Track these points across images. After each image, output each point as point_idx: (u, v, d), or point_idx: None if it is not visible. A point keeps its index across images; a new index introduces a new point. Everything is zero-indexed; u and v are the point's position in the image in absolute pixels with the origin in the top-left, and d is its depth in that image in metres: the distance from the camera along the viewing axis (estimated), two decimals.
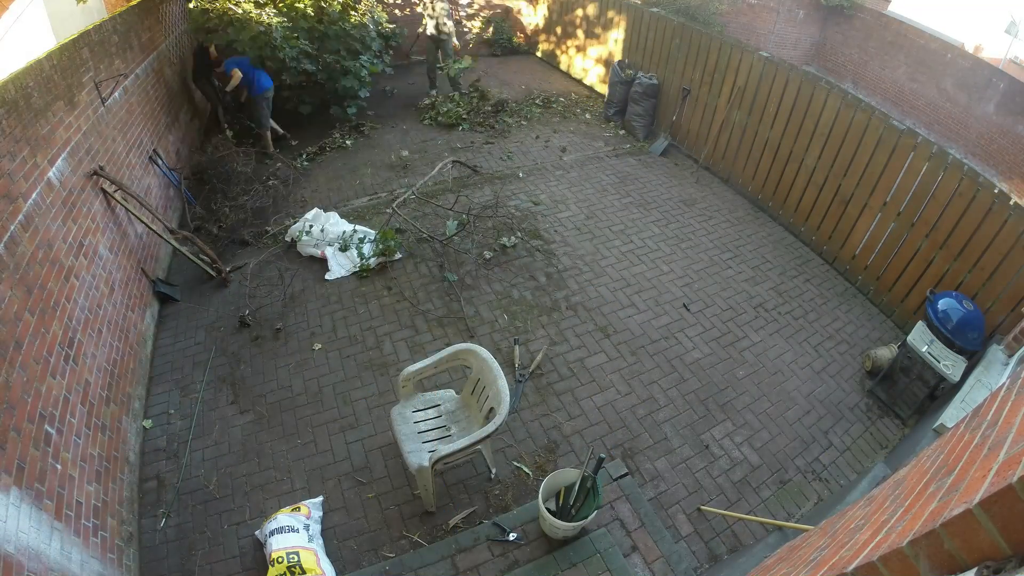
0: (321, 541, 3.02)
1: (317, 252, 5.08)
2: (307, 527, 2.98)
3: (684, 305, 4.77)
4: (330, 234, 5.14)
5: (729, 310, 4.83)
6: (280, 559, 2.74)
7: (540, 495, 2.97)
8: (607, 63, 8.50)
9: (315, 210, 5.43)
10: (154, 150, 5.27)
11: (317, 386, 3.99)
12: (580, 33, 9.08)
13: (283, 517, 2.98)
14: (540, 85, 9.24)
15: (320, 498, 3.27)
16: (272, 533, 2.89)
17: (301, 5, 6.86)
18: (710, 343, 4.49)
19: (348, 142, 7.18)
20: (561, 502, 3.08)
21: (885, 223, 4.90)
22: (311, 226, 5.16)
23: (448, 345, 4.30)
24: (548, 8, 9.90)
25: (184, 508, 3.27)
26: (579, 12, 8.92)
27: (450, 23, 7.96)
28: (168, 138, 5.81)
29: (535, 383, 4.05)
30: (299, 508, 3.09)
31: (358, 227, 5.31)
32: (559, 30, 9.68)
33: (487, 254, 5.20)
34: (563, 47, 9.71)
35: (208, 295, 4.75)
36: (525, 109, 8.19)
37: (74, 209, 3.52)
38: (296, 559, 2.75)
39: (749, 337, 4.58)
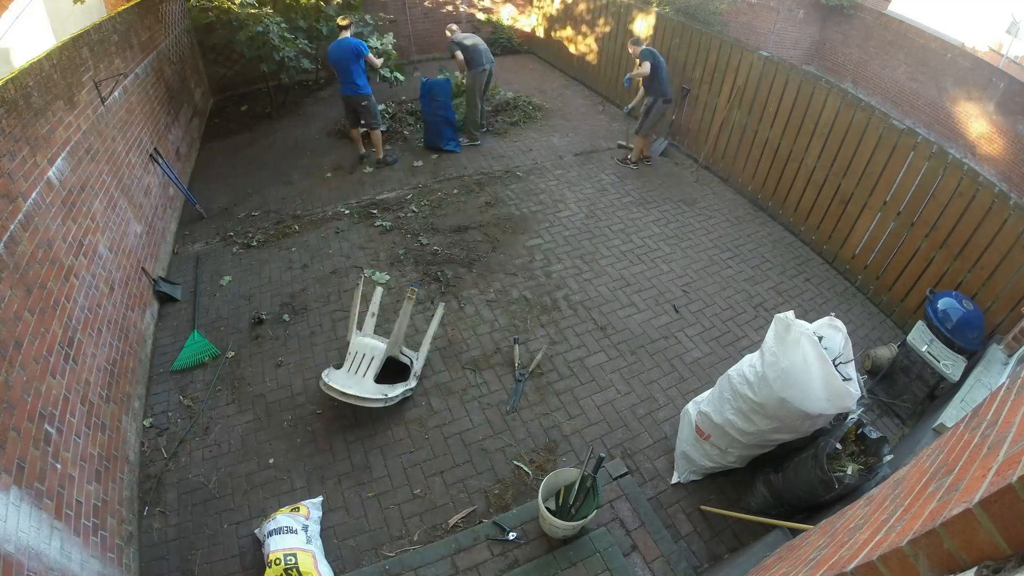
0: (320, 542, 3.03)
1: None
2: (306, 528, 2.98)
3: (674, 307, 4.78)
4: None
5: (729, 309, 4.83)
6: (278, 560, 2.74)
7: (540, 494, 2.97)
8: (606, 62, 8.50)
9: None
10: (155, 148, 5.27)
11: (317, 385, 3.98)
12: (580, 33, 9.07)
13: (282, 517, 2.98)
14: (540, 84, 9.23)
15: (319, 498, 3.27)
16: (271, 534, 2.89)
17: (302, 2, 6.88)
18: (710, 342, 4.49)
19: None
20: (561, 501, 3.09)
21: (885, 223, 4.89)
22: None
23: (448, 346, 4.31)
24: (542, 15, 9.90)
25: (184, 507, 3.27)
26: (579, 11, 8.92)
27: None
28: (168, 137, 5.82)
29: (535, 382, 4.05)
30: (298, 508, 3.09)
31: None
32: (559, 30, 9.67)
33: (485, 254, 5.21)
34: (563, 46, 9.69)
35: (208, 293, 4.76)
36: (524, 108, 8.18)
37: (74, 208, 3.52)
38: (293, 561, 2.74)
39: (749, 336, 4.58)
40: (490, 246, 5.34)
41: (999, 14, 10.57)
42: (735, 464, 3.28)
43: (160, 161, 5.29)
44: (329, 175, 6.46)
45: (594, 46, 8.77)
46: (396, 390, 3.67)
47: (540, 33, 10.33)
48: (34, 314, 2.81)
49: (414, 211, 5.81)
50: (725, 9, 10.25)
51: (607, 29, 8.31)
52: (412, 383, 3.82)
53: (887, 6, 12.49)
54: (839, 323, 2.95)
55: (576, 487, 3.03)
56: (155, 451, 3.57)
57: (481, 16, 10.49)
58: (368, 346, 3.79)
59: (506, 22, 10.71)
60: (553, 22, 9.74)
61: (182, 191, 5.75)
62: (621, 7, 7.86)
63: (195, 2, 6.48)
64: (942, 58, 11.11)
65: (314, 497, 3.27)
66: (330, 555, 3.05)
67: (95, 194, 3.89)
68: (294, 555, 2.77)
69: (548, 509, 2.95)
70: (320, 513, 3.19)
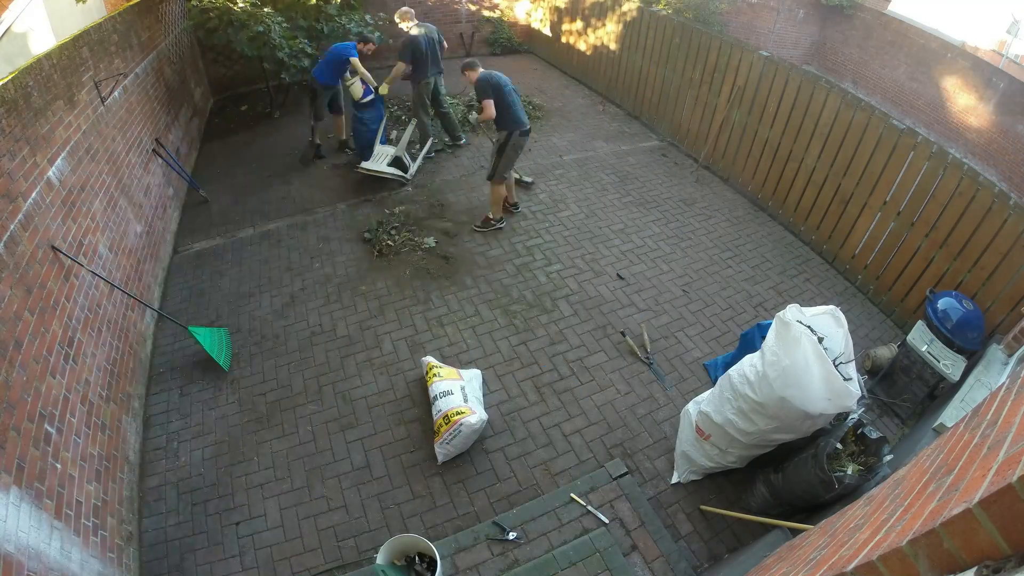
0: (478, 399, 3.70)
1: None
2: (462, 388, 3.62)
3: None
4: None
5: (729, 309, 4.83)
6: (446, 418, 3.44)
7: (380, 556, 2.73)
8: (607, 61, 8.50)
9: None
10: (156, 139, 5.28)
11: (317, 385, 3.99)
12: (580, 32, 9.07)
13: (446, 383, 3.64)
14: (540, 84, 9.23)
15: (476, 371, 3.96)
16: (439, 396, 3.58)
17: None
18: (710, 342, 4.49)
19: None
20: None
21: (885, 222, 4.89)
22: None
23: (449, 346, 4.32)
24: (548, 8, 9.89)
25: (184, 507, 3.27)
26: (579, 11, 8.91)
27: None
28: (168, 137, 5.81)
29: (534, 382, 4.05)
30: (452, 372, 3.80)
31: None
32: (567, 22, 9.65)
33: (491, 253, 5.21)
34: (563, 46, 9.69)
35: (208, 293, 4.76)
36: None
37: (74, 208, 3.52)
38: (456, 410, 3.45)
39: None
40: (488, 245, 5.35)
41: (1000, 14, 10.57)
42: (735, 464, 3.28)
43: (162, 152, 5.32)
44: (328, 173, 6.46)
45: (595, 45, 8.77)
46: (397, 172, 5.99)
47: (547, 28, 10.14)
48: (34, 314, 2.81)
49: (414, 211, 5.81)
50: (725, 9, 10.24)
51: (609, 28, 8.31)
52: (408, 176, 6.11)
53: (887, 6, 12.49)
54: (841, 316, 2.96)
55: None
56: (155, 451, 3.57)
57: (491, 14, 10.40)
58: (385, 149, 6.10)
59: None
60: (560, 15, 9.57)
61: (185, 177, 5.80)
62: (622, 5, 7.86)
63: (195, 2, 6.47)
64: (942, 58, 11.11)
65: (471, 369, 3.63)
66: (329, 555, 3.06)
67: (95, 194, 3.89)
68: (460, 412, 3.42)
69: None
70: (479, 382, 3.90)
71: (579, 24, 9.04)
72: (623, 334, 4.44)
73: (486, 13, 10.41)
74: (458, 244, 5.37)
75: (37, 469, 2.44)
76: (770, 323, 3.02)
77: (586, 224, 5.74)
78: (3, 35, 4.72)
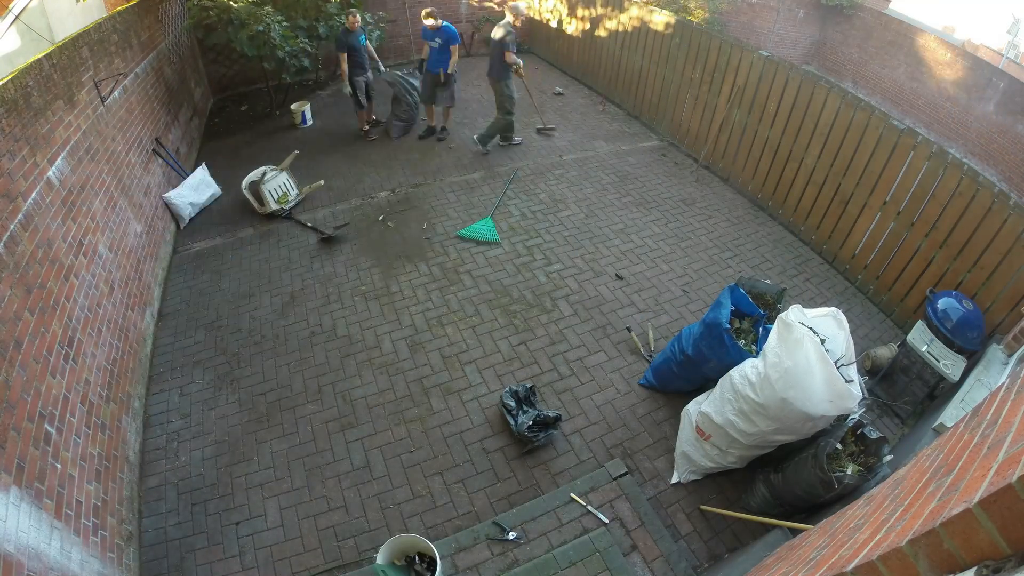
0: None
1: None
2: None
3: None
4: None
5: None
6: None
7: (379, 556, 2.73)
8: (607, 61, 8.50)
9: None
10: (156, 139, 5.28)
11: (317, 385, 3.99)
12: (580, 31, 9.06)
13: None
14: (540, 84, 9.22)
15: None
16: None
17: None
18: None
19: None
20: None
21: (885, 222, 4.90)
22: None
23: (449, 346, 4.32)
24: (550, 8, 9.88)
25: (184, 507, 3.27)
26: (579, 11, 8.91)
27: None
28: (168, 137, 5.81)
29: (534, 382, 4.05)
30: None
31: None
32: (559, 29, 9.66)
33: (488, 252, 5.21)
34: (563, 46, 9.68)
35: (208, 293, 4.76)
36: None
37: (74, 208, 3.52)
38: None
39: None
40: (488, 246, 5.35)
41: (1000, 14, 10.58)
42: (735, 464, 3.28)
43: (162, 152, 5.31)
44: (322, 182, 6.45)
45: (595, 45, 8.76)
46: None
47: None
48: (34, 314, 2.81)
49: (416, 208, 5.81)
50: (725, 9, 10.24)
51: (609, 27, 8.31)
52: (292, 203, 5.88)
53: (887, 6, 12.50)
54: (843, 317, 2.96)
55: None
56: (155, 451, 3.57)
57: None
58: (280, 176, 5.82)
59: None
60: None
61: (185, 177, 5.78)
62: (622, 4, 7.85)
63: (196, 1, 6.47)
64: (942, 58, 11.12)
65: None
66: (329, 554, 3.06)
67: (95, 194, 3.89)
68: None
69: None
70: None
71: (582, 21, 9.01)
72: (629, 329, 4.44)
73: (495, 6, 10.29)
74: (457, 243, 5.36)
75: (37, 469, 2.44)
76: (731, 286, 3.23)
77: (586, 224, 5.74)
78: (3, 34, 4.72)
